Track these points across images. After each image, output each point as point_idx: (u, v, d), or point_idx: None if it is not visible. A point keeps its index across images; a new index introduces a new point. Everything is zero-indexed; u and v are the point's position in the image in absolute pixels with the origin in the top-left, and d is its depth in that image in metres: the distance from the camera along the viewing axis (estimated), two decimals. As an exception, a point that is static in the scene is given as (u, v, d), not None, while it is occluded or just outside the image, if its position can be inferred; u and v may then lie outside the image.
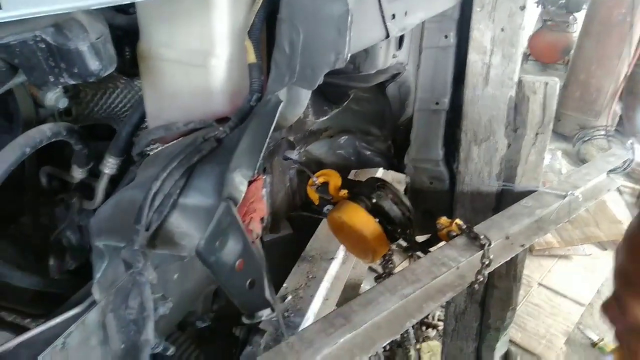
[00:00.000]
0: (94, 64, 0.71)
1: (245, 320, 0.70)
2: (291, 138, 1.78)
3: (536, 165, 1.56)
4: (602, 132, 4.38)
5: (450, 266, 1.30)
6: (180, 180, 0.78)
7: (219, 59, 0.85)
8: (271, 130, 0.75)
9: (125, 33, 1.11)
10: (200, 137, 0.81)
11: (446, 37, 1.52)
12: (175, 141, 0.90)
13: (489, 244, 1.33)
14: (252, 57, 0.81)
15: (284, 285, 2.28)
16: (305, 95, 0.88)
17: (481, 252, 1.33)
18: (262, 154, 0.74)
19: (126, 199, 0.83)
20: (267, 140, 0.75)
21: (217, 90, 0.87)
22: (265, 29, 0.88)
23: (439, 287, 1.30)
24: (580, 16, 5.04)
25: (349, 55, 0.75)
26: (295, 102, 0.88)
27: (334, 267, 2.56)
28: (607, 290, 2.92)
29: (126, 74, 1.40)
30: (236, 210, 0.72)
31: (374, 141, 2.01)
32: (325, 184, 1.71)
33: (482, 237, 1.34)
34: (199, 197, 0.78)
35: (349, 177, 2.57)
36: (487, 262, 1.31)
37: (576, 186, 1.64)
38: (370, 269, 2.95)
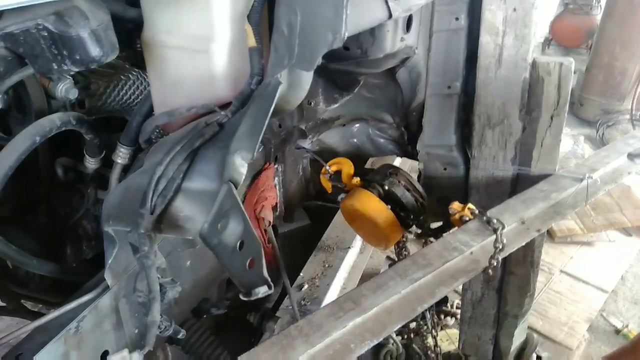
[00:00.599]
0: (95, 50, 0.73)
1: (242, 297, 0.71)
2: (303, 127, 1.78)
3: (552, 148, 1.53)
4: (627, 117, 4.25)
5: (462, 251, 1.29)
6: (183, 164, 0.79)
7: (220, 43, 0.86)
8: (270, 112, 0.76)
9: (136, 25, 1.13)
10: (203, 122, 0.82)
11: (457, 19, 1.49)
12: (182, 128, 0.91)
13: (502, 228, 1.31)
14: (252, 41, 0.82)
15: (301, 274, 2.30)
16: (306, 78, 0.88)
17: (494, 236, 1.31)
18: (261, 136, 0.74)
19: (133, 185, 0.85)
20: (267, 122, 0.75)
21: (219, 75, 0.88)
22: (267, 13, 0.88)
23: (451, 272, 1.28)
24: (604, -2, 4.89)
25: (346, 34, 0.74)
26: (297, 85, 0.87)
27: (351, 256, 2.57)
28: (632, 277, 2.85)
29: (138, 65, 1.42)
30: (237, 193, 0.73)
31: (387, 128, 1.99)
32: (338, 173, 1.72)
33: (494, 221, 1.32)
34: (202, 181, 0.78)
35: (365, 165, 2.57)
36: (500, 247, 1.29)
37: (594, 169, 1.60)
38: (389, 257, 2.95)
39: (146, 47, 0.93)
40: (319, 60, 0.78)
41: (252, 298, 0.70)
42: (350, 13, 0.81)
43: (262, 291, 0.70)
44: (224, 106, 0.86)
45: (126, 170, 1.21)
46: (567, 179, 1.54)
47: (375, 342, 1.17)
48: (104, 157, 1.25)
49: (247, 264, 0.70)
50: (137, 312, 1.01)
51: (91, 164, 1.21)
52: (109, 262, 0.96)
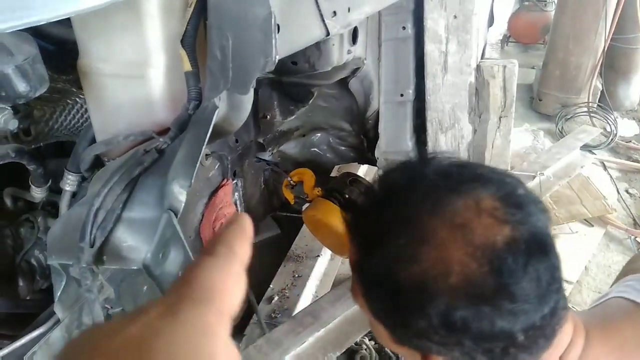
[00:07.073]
0: (22, 86, 0.71)
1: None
2: (261, 140, 1.78)
3: (503, 148, 1.57)
4: (584, 109, 4.37)
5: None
6: (122, 194, 0.78)
7: (156, 69, 0.85)
8: (207, 138, 0.76)
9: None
10: (141, 149, 0.81)
11: (404, 28, 1.52)
12: (122, 155, 0.90)
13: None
14: (187, 66, 0.81)
15: (270, 286, 2.29)
16: (247, 99, 0.88)
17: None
18: (198, 162, 0.74)
19: (74, 217, 0.83)
20: (204, 147, 0.75)
21: (158, 101, 0.87)
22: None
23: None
24: (556, -6, 5.03)
25: (277, 58, 0.75)
26: (238, 107, 0.88)
27: (321, 264, 2.56)
28: (595, 267, 2.93)
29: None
30: (177, 221, 0.72)
31: (347, 136, 2.01)
32: (300, 183, 1.72)
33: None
34: (143, 210, 0.78)
35: (331, 174, 2.57)
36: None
37: (546, 166, 1.65)
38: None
39: (83, 75, 0.91)
40: (253, 83, 0.78)
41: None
42: (286, 33, 0.82)
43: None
44: (164, 132, 0.86)
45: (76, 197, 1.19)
46: (520, 178, 1.58)
47: (339, 353, 1.18)
48: (55, 183, 1.23)
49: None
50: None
51: (38, 193, 1.18)
52: (58, 294, 0.94)
